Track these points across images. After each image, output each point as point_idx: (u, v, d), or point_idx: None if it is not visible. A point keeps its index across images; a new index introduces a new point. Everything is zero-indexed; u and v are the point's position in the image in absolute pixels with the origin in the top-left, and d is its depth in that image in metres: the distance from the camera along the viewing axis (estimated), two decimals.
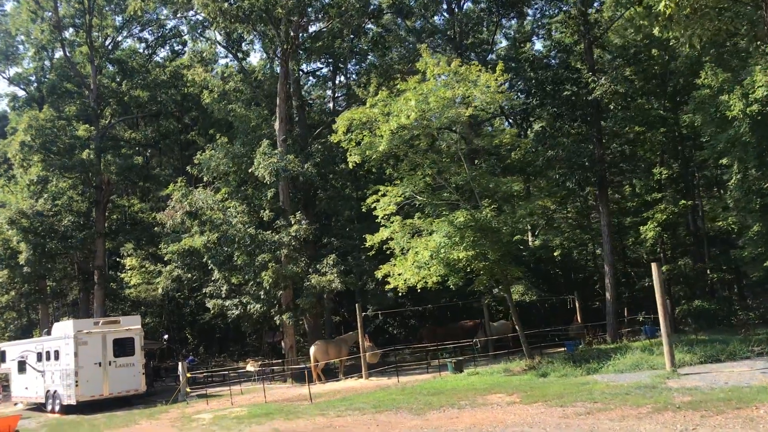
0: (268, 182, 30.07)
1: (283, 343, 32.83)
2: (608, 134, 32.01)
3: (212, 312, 31.70)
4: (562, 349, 30.64)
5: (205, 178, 33.48)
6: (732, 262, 33.36)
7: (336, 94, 43.61)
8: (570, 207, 40.27)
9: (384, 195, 25.46)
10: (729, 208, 25.74)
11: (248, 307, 30.53)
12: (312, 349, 28.75)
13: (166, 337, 37.69)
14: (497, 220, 22.32)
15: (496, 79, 22.67)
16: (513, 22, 42.07)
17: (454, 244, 22.08)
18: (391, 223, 25.63)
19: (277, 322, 30.16)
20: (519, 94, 34.50)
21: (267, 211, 30.53)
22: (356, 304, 27.79)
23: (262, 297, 29.96)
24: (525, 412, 15.00)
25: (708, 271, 34.91)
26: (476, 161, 25.27)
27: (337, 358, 29.27)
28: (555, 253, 36.73)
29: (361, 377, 27.73)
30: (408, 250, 24.51)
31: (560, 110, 29.92)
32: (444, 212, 23.77)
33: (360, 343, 27.42)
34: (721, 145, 25.25)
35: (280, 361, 34.36)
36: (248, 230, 29.51)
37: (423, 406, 17.46)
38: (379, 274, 24.61)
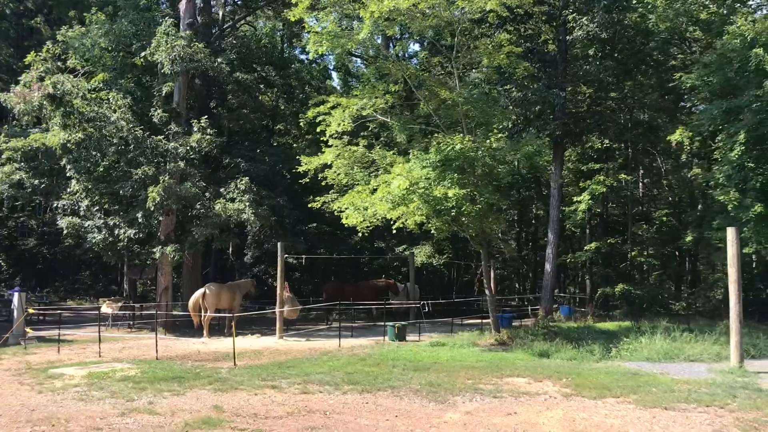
0: (168, 72, 22.99)
1: (156, 284, 25.91)
2: (572, 85, 27.95)
3: (65, 233, 24.07)
4: (485, 321, 27.34)
5: (70, 62, 25.50)
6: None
7: None
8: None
9: (335, 107, 19.75)
10: (719, 184, 22.79)
11: (116, 232, 23.39)
12: (202, 293, 22.41)
13: None
14: (497, 154, 17.45)
15: None
16: None
17: (439, 179, 16.96)
18: (334, 147, 20.19)
19: (157, 254, 23.28)
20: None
21: (160, 111, 23.38)
22: (278, 243, 21.71)
23: (139, 221, 22.95)
24: (619, 414, 10.33)
25: (630, 253, 32.50)
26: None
27: (228, 308, 23.22)
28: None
29: (260, 336, 22.04)
30: (357, 183, 19.31)
31: (529, 46, 25.47)
32: (424, 139, 18.59)
33: (278, 293, 21.51)
34: (717, 111, 22.17)
35: (142, 305, 27.41)
36: (135, 131, 22.33)
37: (431, 388, 12.29)
38: (335, 206, 18.91)
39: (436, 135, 18.28)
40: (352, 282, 31.14)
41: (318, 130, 20.27)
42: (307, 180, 20.79)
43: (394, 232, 20.13)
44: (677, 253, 37.02)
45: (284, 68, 35.17)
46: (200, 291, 22.47)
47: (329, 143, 20.54)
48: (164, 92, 23.93)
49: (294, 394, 12.02)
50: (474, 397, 11.58)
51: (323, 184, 21.35)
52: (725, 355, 15.58)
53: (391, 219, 17.15)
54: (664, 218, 34.93)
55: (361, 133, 21.25)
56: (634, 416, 10.16)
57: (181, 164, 22.55)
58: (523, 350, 17.05)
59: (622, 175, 30.71)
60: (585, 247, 31.40)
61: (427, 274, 35.93)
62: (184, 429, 9.58)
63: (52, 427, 9.61)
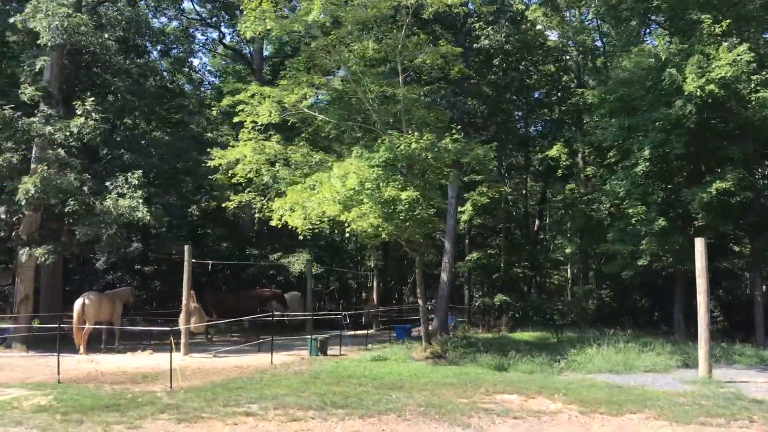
0: (46, 44, 19.55)
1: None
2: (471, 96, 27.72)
3: None
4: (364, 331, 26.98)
5: None
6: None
7: None
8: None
9: (253, 96, 17.95)
10: (619, 198, 23.50)
11: None
12: (82, 303, 19.22)
13: None
14: (446, 157, 16.56)
15: None
16: None
17: (386, 179, 15.74)
18: (244, 143, 18.42)
19: (23, 258, 19.63)
20: None
21: (31, 90, 19.83)
22: (185, 246, 19.01)
23: (1, 216, 19.29)
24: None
25: (502, 265, 33.08)
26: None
27: (108, 320, 20.24)
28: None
29: (152, 352, 19.26)
30: (281, 181, 17.70)
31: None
32: (361, 136, 17.29)
33: (184, 303, 18.84)
34: (616, 130, 23.14)
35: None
36: (3, 110, 18.75)
37: (436, 409, 11.00)
38: (275, 205, 16.82)
39: (382, 134, 16.97)
40: (233, 292, 28.64)
41: (235, 120, 18.29)
42: (220, 176, 18.61)
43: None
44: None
45: (140, 56, 31.85)
46: (80, 301, 19.27)
47: (239, 137, 18.69)
48: (38, 67, 20.35)
49: (283, 422, 10.20)
50: (494, 419, 10.48)
51: (231, 182, 19.21)
52: (674, 365, 15.84)
53: (345, 221, 15.55)
54: (517, 231, 36.32)
55: (283, 128, 19.37)
56: None
57: (62, 152, 19.24)
58: (473, 364, 16.21)
59: (503, 188, 31.18)
60: (467, 257, 31.46)
61: (303, 282, 34.20)
62: None
63: None
